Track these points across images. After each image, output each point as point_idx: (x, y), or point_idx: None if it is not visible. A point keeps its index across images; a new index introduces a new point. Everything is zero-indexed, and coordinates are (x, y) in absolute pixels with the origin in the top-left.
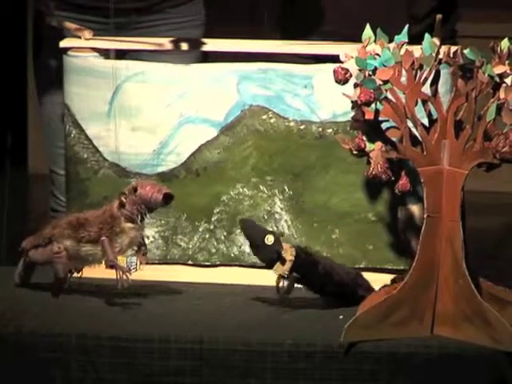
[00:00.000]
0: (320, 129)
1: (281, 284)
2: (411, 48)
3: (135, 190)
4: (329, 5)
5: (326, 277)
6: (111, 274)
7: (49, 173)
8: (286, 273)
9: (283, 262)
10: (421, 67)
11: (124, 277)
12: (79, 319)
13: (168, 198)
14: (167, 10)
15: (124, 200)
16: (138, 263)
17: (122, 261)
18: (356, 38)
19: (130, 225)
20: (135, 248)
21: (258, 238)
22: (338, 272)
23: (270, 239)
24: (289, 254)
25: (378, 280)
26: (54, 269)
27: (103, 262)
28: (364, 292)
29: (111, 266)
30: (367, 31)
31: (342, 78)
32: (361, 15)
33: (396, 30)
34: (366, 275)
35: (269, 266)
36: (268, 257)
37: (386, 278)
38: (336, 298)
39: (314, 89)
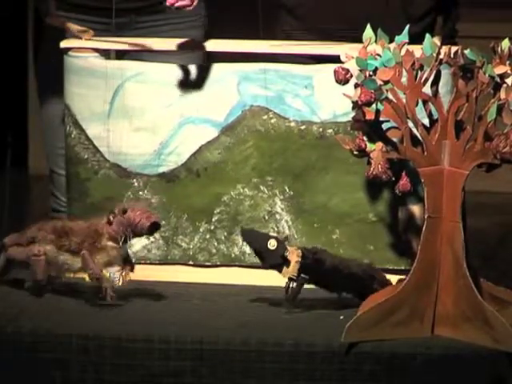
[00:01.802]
0: (320, 129)
1: (291, 285)
2: (412, 48)
3: (125, 211)
4: (329, 5)
5: (335, 272)
6: None
7: (49, 173)
8: (295, 275)
9: (289, 264)
10: (421, 67)
11: (110, 291)
12: (79, 319)
13: (154, 227)
14: (167, 10)
15: (111, 219)
16: (121, 278)
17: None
18: (355, 38)
19: (111, 244)
20: (120, 265)
21: (260, 244)
22: (348, 265)
23: (272, 244)
24: (295, 256)
25: None
26: (32, 270)
27: (87, 275)
28: (380, 286)
29: (97, 279)
30: (368, 31)
31: (342, 79)
32: (360, 15)
33: (395, 30)
34: None
35: (277, 271)
36: (274, 262)
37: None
38: (350, 292)
39: (314, 89)
